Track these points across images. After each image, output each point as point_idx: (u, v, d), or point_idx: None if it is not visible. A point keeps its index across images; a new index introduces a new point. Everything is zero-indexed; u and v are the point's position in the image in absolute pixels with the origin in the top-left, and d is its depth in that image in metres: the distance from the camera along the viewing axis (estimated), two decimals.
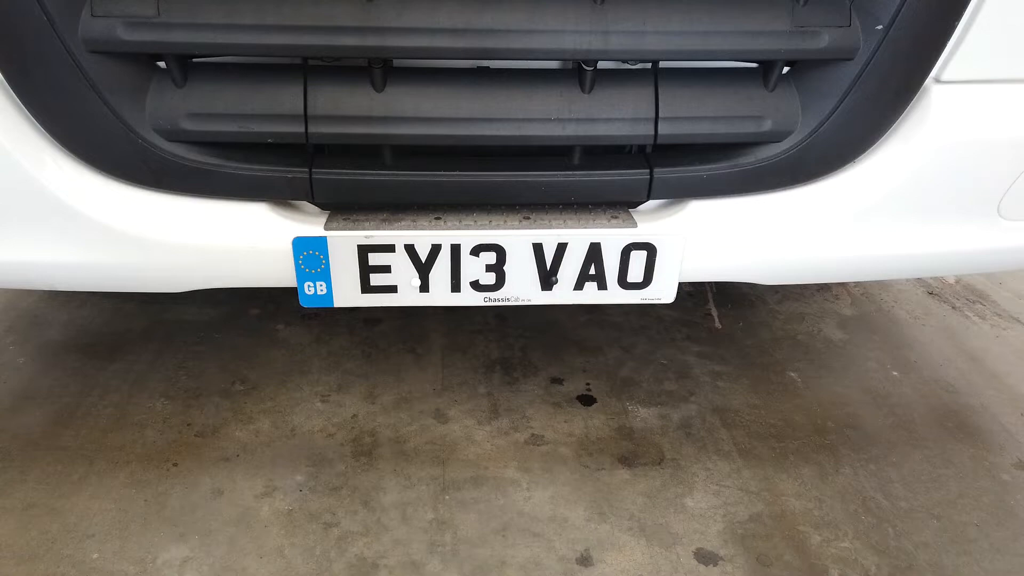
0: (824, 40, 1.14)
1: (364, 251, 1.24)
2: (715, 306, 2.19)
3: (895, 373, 1.93)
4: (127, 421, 1.66)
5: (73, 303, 2.13)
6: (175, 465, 1.54)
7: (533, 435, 1.66)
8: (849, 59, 1.16)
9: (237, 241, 1.24)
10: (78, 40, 1.07)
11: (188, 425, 1.65)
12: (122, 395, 1.74)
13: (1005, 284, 2.39)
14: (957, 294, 2.32)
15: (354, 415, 1.70)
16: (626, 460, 1.60)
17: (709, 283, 2.32)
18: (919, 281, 2.38)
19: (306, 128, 1.15)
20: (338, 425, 1.67)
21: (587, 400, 1.78)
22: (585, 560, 1.36)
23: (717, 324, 2.12)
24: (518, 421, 1.70)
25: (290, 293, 2.12)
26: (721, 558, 1.37)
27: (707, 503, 1.49)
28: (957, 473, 1.60)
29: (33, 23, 1.05)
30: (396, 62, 1.17)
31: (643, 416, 1.73)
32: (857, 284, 2.34)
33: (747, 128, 1.21)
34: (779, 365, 1.95)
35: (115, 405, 1.71)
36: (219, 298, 2.14)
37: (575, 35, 1.09)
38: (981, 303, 2.28)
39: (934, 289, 2.35)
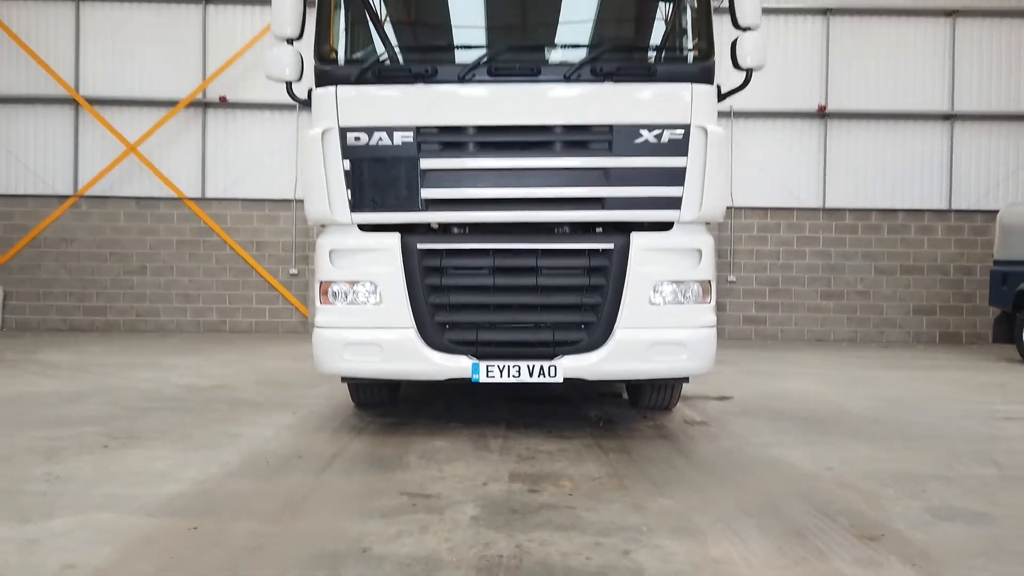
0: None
1: (486, 367, 5.28)
2: (603, 422, 6.08)
3: (659, 431, 5.76)
4: (410, 439, 5.56)
5: (368, 416, 6.08)
6: (409, 443, 5.43)
7: (533, 437, 5.52)
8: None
9: (458, 364, 5.31)
10: (435, 324, 5.28)
11: (416, 441, 5.55)
12: (403, 437, 5.65)
13: (719, 424, 6.21)
14: (696, 422, 6.16)
15: (483, 432, 5.59)
16: (560, 438, 5.45)
17: (601, 418, 6.22)
18: (684, 418, 6.24)
19: (476, 341, 5.29)
20: (474, 441, 5.56)
21: (549, 432, 5.65)
22: (554, 435, 5.19)
23: (601, 425, 5.98)
24: (530, 432, 5.56)
25: (440, 427, 6.12)
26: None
27: (584, 442, 5.31)
28: (661, 435, 5.40)
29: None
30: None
31: (567, 435, 5.58)
32: (657, 423, 6.23)
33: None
34: (620, 432, 5.78)
35: (400, 440, 5.61)
36: (427, 420, 6.08)
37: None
38: (703, 425, 6.10)
39: (689, 421, 6.19)
